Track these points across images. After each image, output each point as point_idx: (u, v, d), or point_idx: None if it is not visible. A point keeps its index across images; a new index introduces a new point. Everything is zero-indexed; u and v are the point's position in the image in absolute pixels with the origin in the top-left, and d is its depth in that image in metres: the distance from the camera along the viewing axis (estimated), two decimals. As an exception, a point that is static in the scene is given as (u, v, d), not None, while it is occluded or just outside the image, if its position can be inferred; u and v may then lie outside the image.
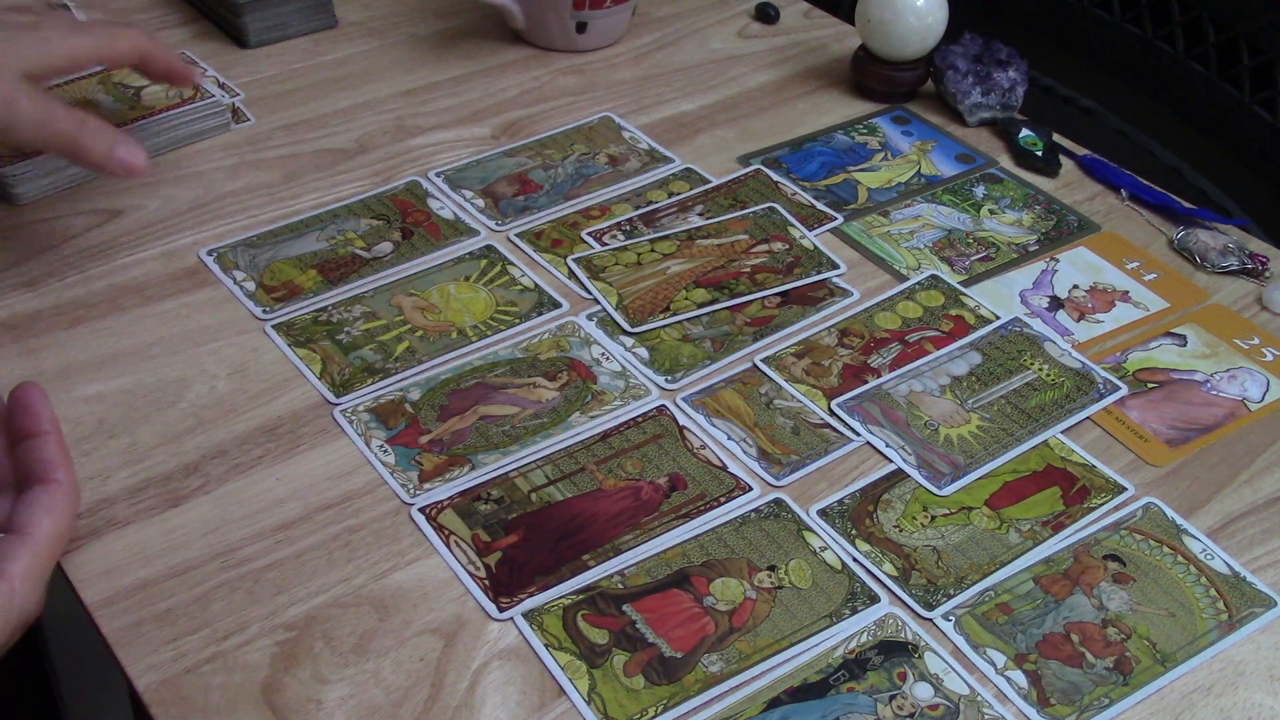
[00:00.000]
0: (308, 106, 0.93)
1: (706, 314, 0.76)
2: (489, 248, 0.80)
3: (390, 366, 0.71)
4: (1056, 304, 0.79)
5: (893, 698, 0.56)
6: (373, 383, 0.70)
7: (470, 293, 0.76)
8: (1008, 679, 0.57)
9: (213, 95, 0.88)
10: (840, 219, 0.85)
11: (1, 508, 0.57)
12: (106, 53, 0.73)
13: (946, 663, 0.58)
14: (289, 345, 0.72)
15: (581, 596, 0.60)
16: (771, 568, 0.62)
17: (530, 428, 0.68)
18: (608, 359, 0.73)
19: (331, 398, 0.69)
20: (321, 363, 0.71)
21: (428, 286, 0.77)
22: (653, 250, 0.81)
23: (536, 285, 0.77)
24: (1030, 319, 0.77)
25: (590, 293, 0.77)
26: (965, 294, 0.79)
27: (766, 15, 1.08)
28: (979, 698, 0.56)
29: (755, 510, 0.64)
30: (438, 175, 0.87)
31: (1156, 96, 1.15)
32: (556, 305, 0.76)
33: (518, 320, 0.75)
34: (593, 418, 0.69)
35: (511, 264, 0.79)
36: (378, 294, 0.76)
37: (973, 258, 0.82)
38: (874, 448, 0.68)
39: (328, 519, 0.63)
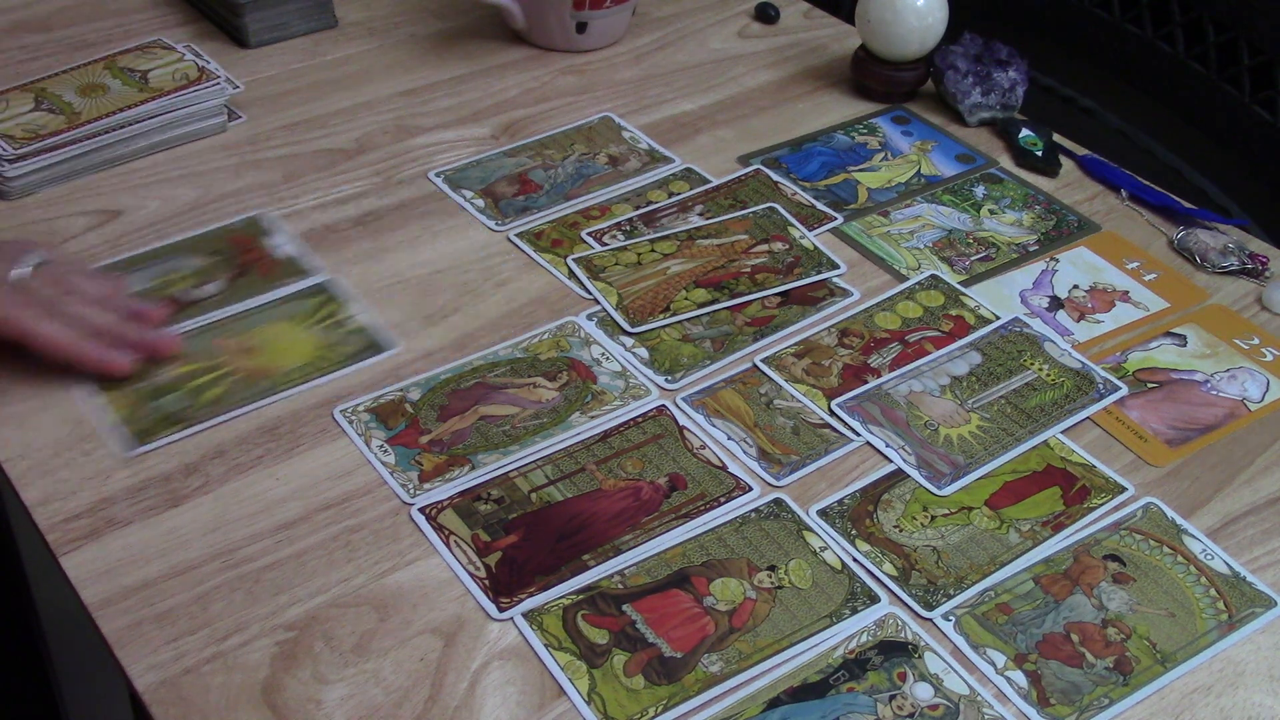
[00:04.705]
0: (308, 106, 0.93)
1: (706, 314, 0.76)
2: (323, 285, 0.76)
3: (194, 415, 0.67)
4: (1056, 304, 0.79)
5: (893, 698, 0.56)
6: (173, 432, 0.66)
7: (296, 333, 0.73)
8: (1008, 679, 0.57)
9: (219, 77, 0.88)
10: (840, 219, 0.85)
11: None
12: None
13: (946, 663, 0.58)
14: (98, 390, 0.68)
15: (581, 596, 0.60)
16: (771, 568, 0.62)
17: (530, 428, 0.68)
18: (608, 359, 0.73)
19: (133, 447, 0.66)
20: (128, 409, 0.67)
21: (253, 327, 0.73)
22: (653, 250, 0.81)
23: (367, 326, 0.73)
24: (1030, 319, 0.77)
25: (590, 293, 0.77)
26: (965, 294, 0.79)
27: (766, 15, 1.08)
28: (979, 698, 0.56)
29: (755, 510, 0.64)
30: (438, 175, 0.87)
31: (1156, 96, 1.15)
32: (387, 348, 0.72)
33: (341, 364, 0.71)
34: (593, 418, 0.69)
35: (345, 303, 0.75)
36: (200, 334, 0.72)
37: (973, 258, 0.82)
38: (874, 448, 0.68)
39: (328, 519, 0.63)
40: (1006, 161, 0.92)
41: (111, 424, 0.66)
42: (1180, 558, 0.63)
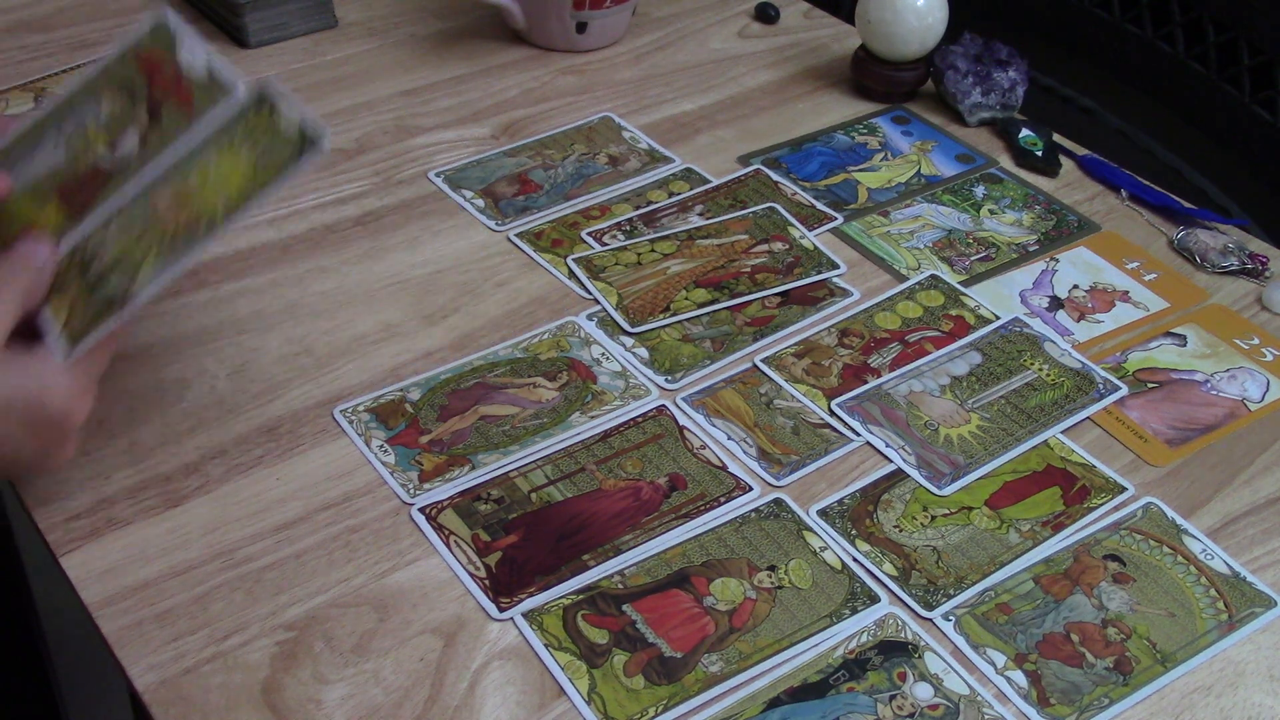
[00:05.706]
0: (308, 106, 0.93)
1: (706, 314, 0.76)
2: (250, 94, 0.62)
3: (133, 291, 0.59)
4: (1056, 304, 0.79)
5: (893, 698, 0.56)
6: (107, 320, 0.59)
7: (229, 162, 0.61)
8: (1008, 679, 0.57)
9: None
10: (840, 219, 0.85)
11: None
12: None
13: (946, 663, 0.58)
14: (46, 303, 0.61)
15: (581, 596, 0.60)
16: (771, 568, 0.62)
17: (530, 428, 0.68)
18: (608, 359, 0.73)
19: (67, 352, 0.59)
20: (68, 310, 0.59)
21: (187, 172, 0.61)
22: (653, 250, 0.81)
23: (295, 120, 0.60)
24: (1030, 319, 0.77)
25: (590, 293, 0.77)
26: (965, 294, 0.79)
27: (766, 15, 1.08)
28: (979, 698, 0.56)
29: (755, 510, 0.64)
30: (438, 175, 0.87)
31: (1156, 96, 1.15)
32: (317, 140, 0.59)
33: (272, 177, 0.59)
34: (593, 418, 0.69)
35: (277, 104, 0.61)
36: (137, 202, 0.61)
37: (973, 258, 0.82)
38: (874, 448, 0.68)
39: (328, 519, 0.63)
40: (1006, 161, 0.92)
41: (56, 335, 0.59)
42: (1180, 558, 0.63)
